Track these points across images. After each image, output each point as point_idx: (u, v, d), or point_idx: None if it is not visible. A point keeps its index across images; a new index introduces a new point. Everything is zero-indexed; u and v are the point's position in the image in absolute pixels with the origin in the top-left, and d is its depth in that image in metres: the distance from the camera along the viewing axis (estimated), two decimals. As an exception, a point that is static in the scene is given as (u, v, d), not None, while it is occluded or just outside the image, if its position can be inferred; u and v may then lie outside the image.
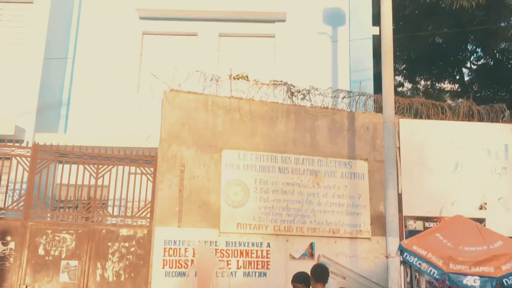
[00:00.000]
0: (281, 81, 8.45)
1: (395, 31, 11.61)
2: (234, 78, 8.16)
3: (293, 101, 8.44)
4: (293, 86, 8.38)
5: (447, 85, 22.12)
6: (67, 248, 7.09)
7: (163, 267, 6.97)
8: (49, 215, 7.29)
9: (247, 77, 8.16)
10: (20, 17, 9.91)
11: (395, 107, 8.67)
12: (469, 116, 9.01)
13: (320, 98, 8.60)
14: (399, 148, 6.89)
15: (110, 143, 8.62)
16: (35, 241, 6.99)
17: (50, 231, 7.09)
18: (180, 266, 7.04)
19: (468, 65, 19.28)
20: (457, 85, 21.28)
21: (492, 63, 17.22)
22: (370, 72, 10.80)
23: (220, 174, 7.56)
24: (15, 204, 7.06)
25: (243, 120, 7.90)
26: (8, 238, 6.89)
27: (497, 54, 15.73)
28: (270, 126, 8.02)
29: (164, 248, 7.03)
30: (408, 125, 8.24)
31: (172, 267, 7.00)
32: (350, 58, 10.93)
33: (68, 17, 10.94)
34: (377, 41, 11.51)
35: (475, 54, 19.43)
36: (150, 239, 7.39)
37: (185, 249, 7.13)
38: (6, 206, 7.08)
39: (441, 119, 8.84)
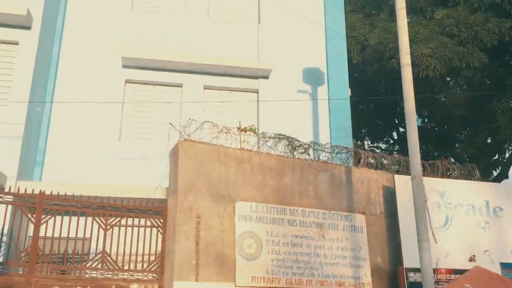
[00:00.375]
0: (284, 135, 8.71)
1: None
2: (242, 131, 8.29)
3: (293, 155, 8.71)
4: (297, 141, 8.67)
5: (382, 144, 23.76)
6: (74, 306, 6.55)
7: (182, 325, 6.65)
8: (57, 270, 6.69)
9: (255, 130, 8.32)
10: (5, 57, 9.39)
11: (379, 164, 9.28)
12: (445, 174, 9.78)
13: (311, 152, 8.96)
14: (426, 201, 7.31)
15: (99, 193, 8.20)
16: (40, 299, 6.39)
17: (57, 287, 6.52)
18: (197, 323, 6.75)
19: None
20: (391, 144, 22.93)
21: (431, 126, 18.85)
22: (349, 130, 11.39)
23: (234, 226, 7.50)
24: (18, 258, 6.45)
25: (254, 172, 7.98)
26: (11, 296, 6.23)
27: (439, 118, 17.27)
28: (278, 179, 8.16)
29: (182, 304, 6.74)
30: (402, 181, 8.75)
31: (190, 324, 6.70)
32: (330, 115, 11.48)
33: (47, 60, 10.51)
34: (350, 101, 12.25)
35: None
36: (160, 294, 7.05)
37: (203, 304, 6.87)
38: (8, 260, 6.43)
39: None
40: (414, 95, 7.46)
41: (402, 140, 22.19)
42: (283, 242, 7.77)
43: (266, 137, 8.40)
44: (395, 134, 22.50)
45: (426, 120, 18.95)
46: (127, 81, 11.04)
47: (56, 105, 10.38)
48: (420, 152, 19.29)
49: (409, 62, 7.43)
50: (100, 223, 7.06)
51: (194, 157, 7.57)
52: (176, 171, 7.44)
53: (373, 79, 15.14)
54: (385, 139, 22.81)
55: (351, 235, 8.39)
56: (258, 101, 11.48)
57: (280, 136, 8.61)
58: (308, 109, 11.60)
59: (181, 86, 11.28)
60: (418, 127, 21.27)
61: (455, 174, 9.90)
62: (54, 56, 10.68)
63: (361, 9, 18.52)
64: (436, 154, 18.95)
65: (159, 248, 7.33)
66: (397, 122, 21.33)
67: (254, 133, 8.34)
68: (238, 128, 8.25)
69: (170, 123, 7.83)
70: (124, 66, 11.03)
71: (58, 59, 10.73)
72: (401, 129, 22.02)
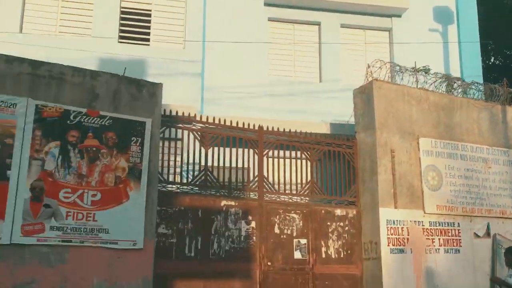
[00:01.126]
0: (449, 75, 9.22)
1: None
2: (415, 70, 8.80)
3: (453, 94, 9.24)
4: (463, 81, 9.19)
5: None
6: (296, 227, 7.46)
7: (388, 245, 7.56)
8: (278, 196, 7.53)
9: (429, 70, 8.82)
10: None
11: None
12: None
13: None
14: None
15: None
16: (271, 221, 7.30)
17: (282, 211, 7.42)
18: (399, 244, 7.67)
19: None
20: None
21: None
22: (479, 69, 11.80)
23: (418, 160, 8.21)
24: (251, 184, 7.30)
25: (430, 110, 8.58)
26: (250, 217, 7.14)
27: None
28: (449, 117, 8.76)
29: (387, 227, 7.62)
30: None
31: (394, 245, 7.62)
32: (461, 55, 11.86)
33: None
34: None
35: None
36: (359, 219, 7.93)
37: (401, 228, 7.76)
38: (244, 186, 7.29)
39: None
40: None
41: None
42: (458, 175, 8.51)
43: (438, 77, 8.89)
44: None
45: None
46: (269, 19, 11.44)
47: (207, 42, 10.89)
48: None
49: None
50: (307, 155, 7.83)
51: (384, 96, 8.16)
52: (370, 108, 8.06)
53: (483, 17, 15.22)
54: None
55: (509, 169, 9.10)
56: (391, 42, 11.85)
57: (446, 76, 9.11)
58: (439, 48, 11.96)
59: (319, 24, 11.67)
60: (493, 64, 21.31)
61: None
62: (201, -4, 11.04)
63: None
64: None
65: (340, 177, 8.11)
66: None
67: (427, 73, 8.84)
68: (413, 68, 8.76)
69: (368, 64, 8.31)
70: (266, 4, 11.39)
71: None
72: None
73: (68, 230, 5.38)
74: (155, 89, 6.26)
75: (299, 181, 7.84)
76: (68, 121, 5.60)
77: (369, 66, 8.20)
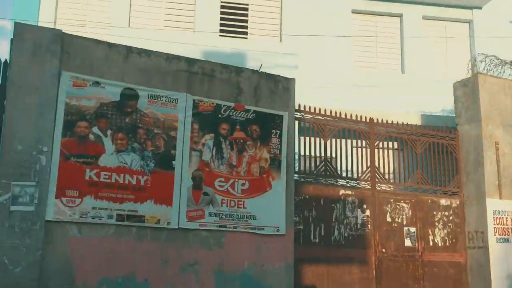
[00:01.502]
0: (544, 68, 9.31)
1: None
2: (512, 64, 8.94)
3: (546, 86, 9.33)
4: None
5: None
6: (405, 215, 7.77)
7: (494, 234, 7.82)
8: (389, 186, 7.85)
9: (527, 64, 8.95)
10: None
11: None
12: None
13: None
14: None
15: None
16: (383, 209, 7.62)
17: (392, 200, 7.73)
18: (504, 234, 7.92)
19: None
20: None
21: None
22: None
23: (520, 152, 8.41)
24: (364, 174, 7.62)
25: (530, 104, 8.72)
26: (364, 206, 7.48)
27: None
28: (547, 110, 8.89)
29: (493, 217, 7.87)
30: None
31: (500, 235, 7.87)
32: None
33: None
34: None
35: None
36: (462, 209, 8.18)
37: (506, 218, 8.00)
38: (358, 176, 7.61)
39: None
40: None
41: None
42: (556, 167, 8.67)
43: (534, 71, 9.01)
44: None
45: None
46: (353, 11, 11.64)
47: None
48: None
49: None
50: (414, 147, 8.10)
51: (487, 89, 8.34)
52: (475, 101, 8.26)
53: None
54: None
55: None
56: (469, 36, 11.93)
57: (542, 69, 9.21)
58: (520, 41, 11.99)
59: (401, 16, 11.81)
60: None
61: None
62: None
63: None
64: None
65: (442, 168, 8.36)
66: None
67: (524, 66, 8.96)
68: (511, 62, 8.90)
69: (475, 57, 8.49)
70: (349, -5, 11.60)
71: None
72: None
73: (223, 216, 5.81)
74: (289, 83, 6.60)
75: (402, 171, 8.14)
76: (219, 115, 5.99)
77: (475, 60, 8.36)
